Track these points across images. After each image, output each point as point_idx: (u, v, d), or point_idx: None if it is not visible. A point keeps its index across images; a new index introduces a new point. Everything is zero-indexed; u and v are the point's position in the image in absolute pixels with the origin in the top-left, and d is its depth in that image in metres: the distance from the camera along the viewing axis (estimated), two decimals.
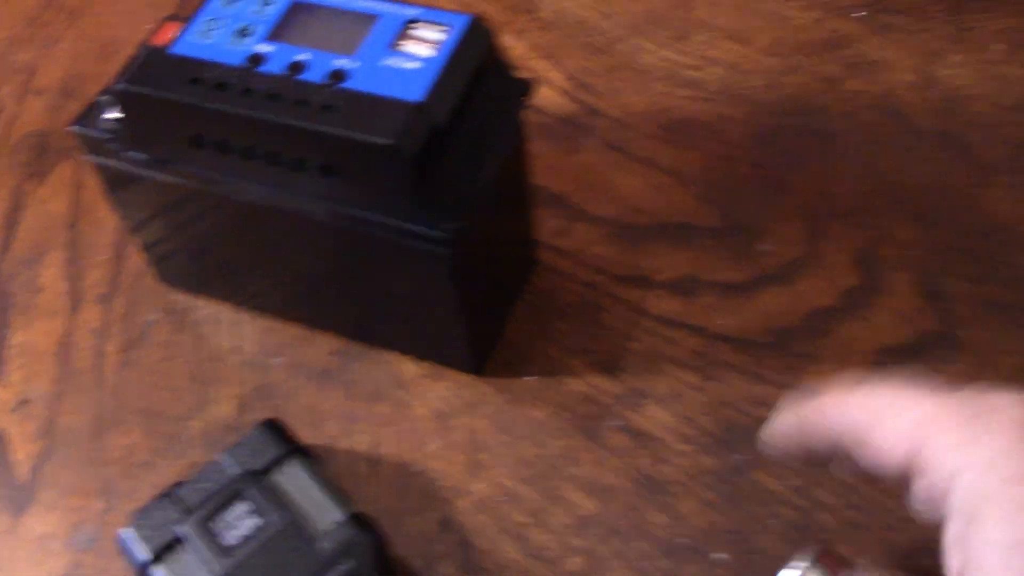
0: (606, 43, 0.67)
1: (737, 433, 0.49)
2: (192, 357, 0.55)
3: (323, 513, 0.43)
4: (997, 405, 0.30)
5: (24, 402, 0.55)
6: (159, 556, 0.42)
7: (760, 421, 0.48)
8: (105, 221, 0.62)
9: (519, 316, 0.54)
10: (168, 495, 0.44)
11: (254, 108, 0.43)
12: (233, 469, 0.44)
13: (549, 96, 0.64)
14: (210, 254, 0.54)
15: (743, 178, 0.59)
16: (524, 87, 0.48)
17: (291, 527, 0.42)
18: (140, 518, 0.44)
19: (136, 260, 0.59)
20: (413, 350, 0.53)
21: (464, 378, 0.52)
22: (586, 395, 0.51)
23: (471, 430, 0.50)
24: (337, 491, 0.44)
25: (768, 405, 0.48)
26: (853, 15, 0.66)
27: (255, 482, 0.43)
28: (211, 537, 0.42)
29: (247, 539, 0.42)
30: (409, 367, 0.53)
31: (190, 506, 0.44)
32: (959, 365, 0.50)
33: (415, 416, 0.51)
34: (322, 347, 0.54)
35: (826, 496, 0.46)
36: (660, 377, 0.51)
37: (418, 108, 0.42)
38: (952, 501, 0.29)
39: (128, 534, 0.43)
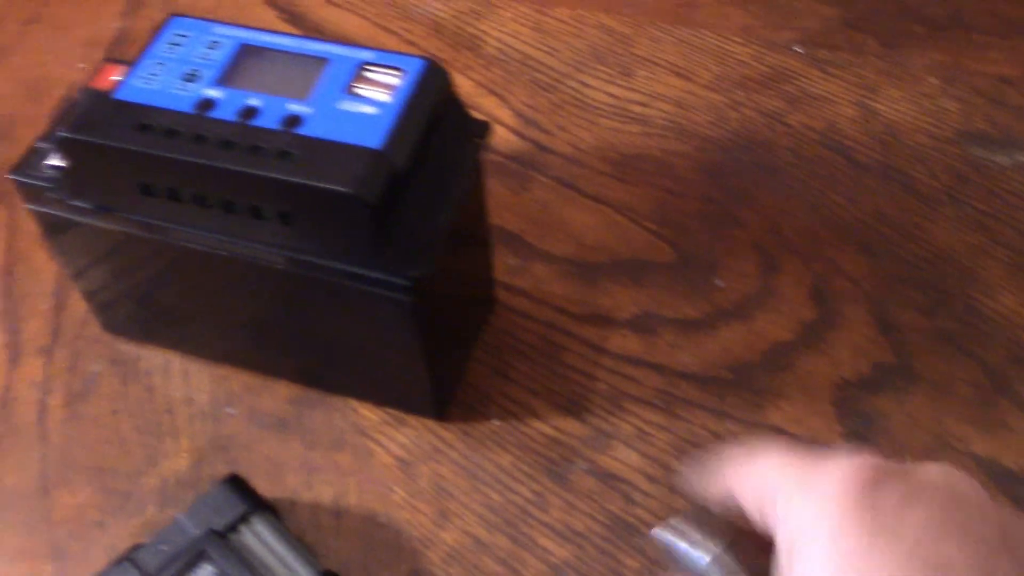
0: (552, 80, 0.67)
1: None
2: (142, 409, 0.53)
3: (292, 573, 0.42)
4: (832, 462, 0.30)
5: None
6: None
7: None
8: (43, 268, 0.60)
9: (479, 357, 0.53)
10: (127, 558, 0.42)
11: (207, 156, 0.42)
12: (194, 529, 0.43)
13: (499, 133, 0.64)
14: (158, 302, 0.53)
15: (694, 213, 0.59)
16: (481, 128, 0.47)
17: None
18: None
19: (78, 308, 0.57)
20: (373, 396, 0.52)
21: (427, 423, 0.51)
22: (551, 437, 0.50)
23: (437, 477, 0.49)
24: (304, 548, 0.43)
25: (734, 442, 0.49)
26: (792, 49, 0.68)
27: (219, 543, 0.42)
28: None
29: None
30: (369, 414, 0.52)
31: (150, 571, 0.42)
32: (917, 396, 0.51)
33: (378, 464, 0.50)
34: (278, 395, 0.53)
35: None
36: (625, 417, 0.51)
37: (377, 155, 0.41)
38: (779, 540, 0.30)
39: None
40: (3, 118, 0.69)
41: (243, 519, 0.43)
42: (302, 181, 0.40)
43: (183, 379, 0.54)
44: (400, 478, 0.50)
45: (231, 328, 0.52)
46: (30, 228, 0.62)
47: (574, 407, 0.51)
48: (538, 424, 0.51)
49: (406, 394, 0.51)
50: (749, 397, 0.51)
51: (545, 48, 0.69)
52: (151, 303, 0.53)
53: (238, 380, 0.54)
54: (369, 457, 0.50)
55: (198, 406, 0.53)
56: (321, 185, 0.40)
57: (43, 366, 0.55)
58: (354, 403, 0.52)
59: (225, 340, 0.53)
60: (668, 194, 0.60)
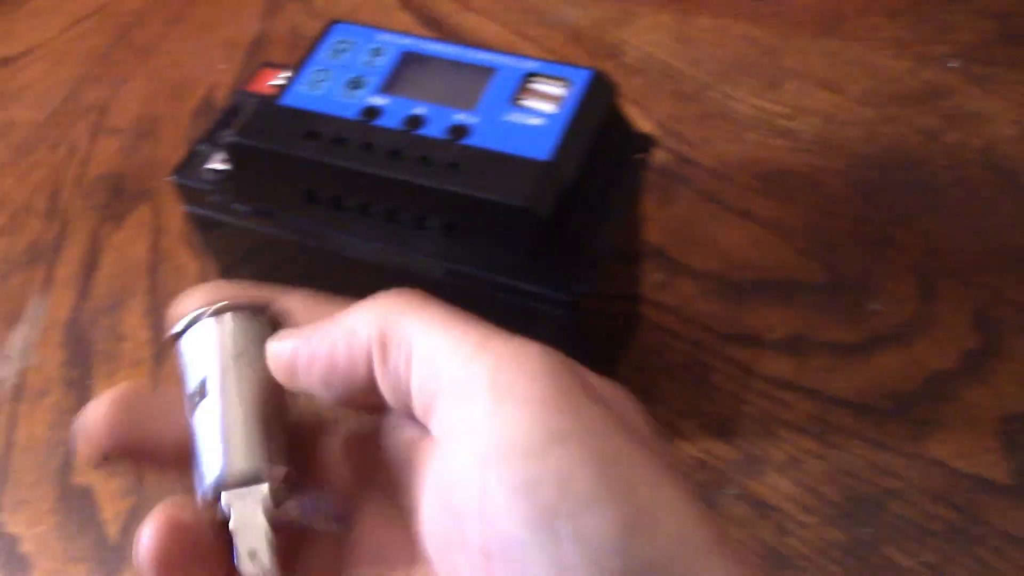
0: (695, 90, 0.66)
1: (862, 504, 0.47)
2: None
3: None
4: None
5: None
6: None
7: (886, 492, 0.46)
8: (186, 267, 0.61)
9: (624, 375, 0.52)
10: None
11: (376, 165, 0.41)
12: None
13: None
14: None
15: (846, 232, 0.57)
16: (645, 142, 0.46)
17: None
18: None
19: None
20: None
21: None
22: (700, 460, 0.49)
23: None
24: None
25: (893, 474, 0.47)
26: (949, 65, 0.65)
27: None
28: None
29: None
30: None
31: None
32: None
33: None
34: None
35: (960, 573, 0.44)
36: (776, 443, 0.49)
37: (547, 167, 0.41)
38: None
39: None
40: (146, 117, 0.71)
41: None
42: (472, 193, 0.40)
43: None
44: None
45: None
46: (174, 227, 0.63)
47: (723, 430, 0.50)
48: (686, 446, 0.50)
49: None
50: (908, 427, 0.49)
51: (687, 58, 0.68)
52: None
53: None
54: None
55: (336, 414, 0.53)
56: (492, 198, 0.40)
57: None
58: None
59: None
60: (819, 212, 0.58)
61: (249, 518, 0.27)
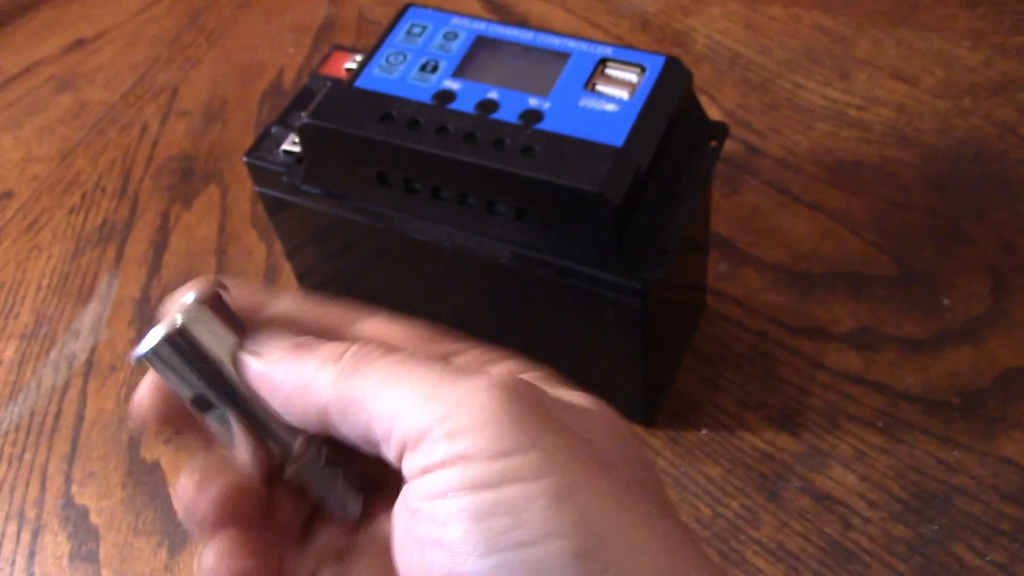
0: (764, 79, 0.65)
1: (929, 501, 0.46)
2: None
3: None
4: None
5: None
6: None
7: (954, 489, 0.46)
8: (254, 248, 0.61)
9: (688, 365, 0.52)
10: None
11: (450, 148, 0.41)
12: None
13: None
14: (368, 287, 0.53)
15: (918, 226, 0.56)
16: (719, 130, 0.46)
17: None
18: None
19: (287, 288, 0.58)
20: None
21: (634, 429, 0.50)
22: (763, 452, 0.49)
23: None
24: None
25: (962, 472, 0.46)
26: None
27: None
28: None
29: None
30: None
31: None
32: None
33: None
34: None
35: None
36: (842, 436, 0.49)
37: (620, 153, 0.40)
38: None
39: None
40: (215, 99, 0.72)
41: None
42: (544, 178, 0.40)
43: None
44: None
45: (440, 319, 0.52)
46: (242, 209, 0.63)
47: (788, 422, 0.49)
48: (749, 437, 0.49)
49: (614, 398, 0.50)
50: (978, 425, 0.48)
51: (757, 47, 0.67)
52: (362, 289, 0.53)
53: None
54: None
55: None
56: (565, 183, 0.39)
57: None
58: None
59: None
60: (890, 205, 0.57)
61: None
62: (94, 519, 0.51)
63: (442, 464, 0.24)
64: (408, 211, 0.45)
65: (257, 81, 0.72)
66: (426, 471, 0.24)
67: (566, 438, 0.25)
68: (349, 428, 0.27)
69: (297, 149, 0.47)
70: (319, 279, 0.55)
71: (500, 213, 0.43)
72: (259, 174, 0.49)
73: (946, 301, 0.53)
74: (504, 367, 0.30)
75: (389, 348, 0.27)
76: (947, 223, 0.56)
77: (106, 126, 0.71)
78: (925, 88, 0.63)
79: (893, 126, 0.61)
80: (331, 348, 0.27)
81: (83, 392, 0.56)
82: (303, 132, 0.45)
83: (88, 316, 0.60)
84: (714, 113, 0.63)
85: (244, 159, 0.49)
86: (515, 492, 0.23)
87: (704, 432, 0.50)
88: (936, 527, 0.45)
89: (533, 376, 0.29)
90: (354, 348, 0.27)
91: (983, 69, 0.63)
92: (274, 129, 0.49)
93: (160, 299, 0.59)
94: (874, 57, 0.65)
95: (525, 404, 0.25)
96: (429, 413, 0.25)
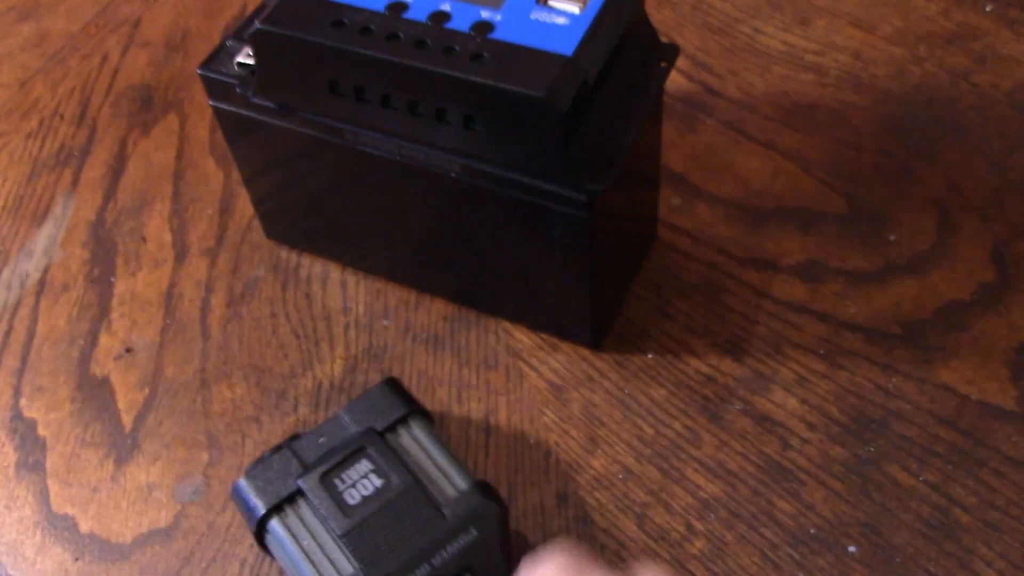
0: (725, 24, 0.66)
1: (867, 424, 0.47)
2: (299, 315, 0.54)
3: (446, 479, 0.42)
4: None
5: (128, 350, 0.54)
6: (277, 508, 0.41)
7: (892, 413, 0.47)
8: (211, 175, 0.61)
9: (638, 293, 0.53)
10: (285, 447, 0.43)
11: (401, 54, 0.42)
12: (353, 426, 0.43)
13: None
14: (325, 210, 0.53)
15: (869, 166, 0.57)
16: (669, 52, 0.46)
17: (413, 490, 0.41)
18: (256, 469, 0.42)
19: (242, 215, 0.58)
20: (529, 320, 0.52)
21: (581, 351, 0.51)
22: (707, 376, 0.49)
23: (588, 404, 0.49)
24: (458, 457, 0.43)
25: (900, 397, 0.47)
26: (987, 9, 0.64)
27: (378, 441, 0.42)
28: (332, 493, 0.41)
29: (368, 499, 0.41)
30: (523, 337, 0.51)
31: (307, 461, 0.42)
32: None
33: (530, 387, 0.50)
34: (433, 312, 0.53)
35: (964, 495, 0.44)
36: (785, 362, 0.49)
37: (568, 62, 0.41)
38: None
39: (244, 485, 0.42)
40: (178, 31, 0.71)
41: (401, 421, 0.43)
42: (493, 83, 0.40)
43: (341, 289, 0.55)
44: (551, 402, 0.49)
45: (394, 240, 0.52)
46: (200, 137, 0.63)
47: (733, 348, 0.50)
48: (694, 362, 0.50)
49: (563, 320, 0.51)
50: (918, 353, 0.49)
51: None
52: (317, 212, 0.54)
53: (394, 295, 0.54)
54: (521, 379, 0.50)
55: (354, 316, 0.53)
56: (512, 88, 0.40)
57: (207, 267, 0.57)
58: (508, 326, 0.52)
59: (386, 253, 0.53)
60: (842, 145, 0.58)
61: None
62: (42, 431, 0.51)
63: None
64: (359, 122, 0.45)
65: (220, 16, 0.72)
66: None
67: None
68: None
69: (251, 61, 0.47)
70: (277, 204, 0.55)
71: (449, 122, 0.43)
72: (214, 87, 0.49)
73: (892, 237, 0.54)
74: None
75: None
76: (897, 164, 0.57)
77: (67, 55, 0.71)
78: (882, 35, 0.64)
79: (849, 71, 0.62)
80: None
81: (35, 310, 0.56)
82: (255, 38, 0.45)
83: (42, 236, 0.60)
84: None
85: (198, 71, 0.49)
86: None
87: (650, 356, 0.50)
88: (872, 448, 0.46)
89: None
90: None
91: (940, 19, 0.64)
92: (229, 42, 0.49)
93: (115, 222, 0.59)
94: (833, 5, 0.66)
95: None
96: None
